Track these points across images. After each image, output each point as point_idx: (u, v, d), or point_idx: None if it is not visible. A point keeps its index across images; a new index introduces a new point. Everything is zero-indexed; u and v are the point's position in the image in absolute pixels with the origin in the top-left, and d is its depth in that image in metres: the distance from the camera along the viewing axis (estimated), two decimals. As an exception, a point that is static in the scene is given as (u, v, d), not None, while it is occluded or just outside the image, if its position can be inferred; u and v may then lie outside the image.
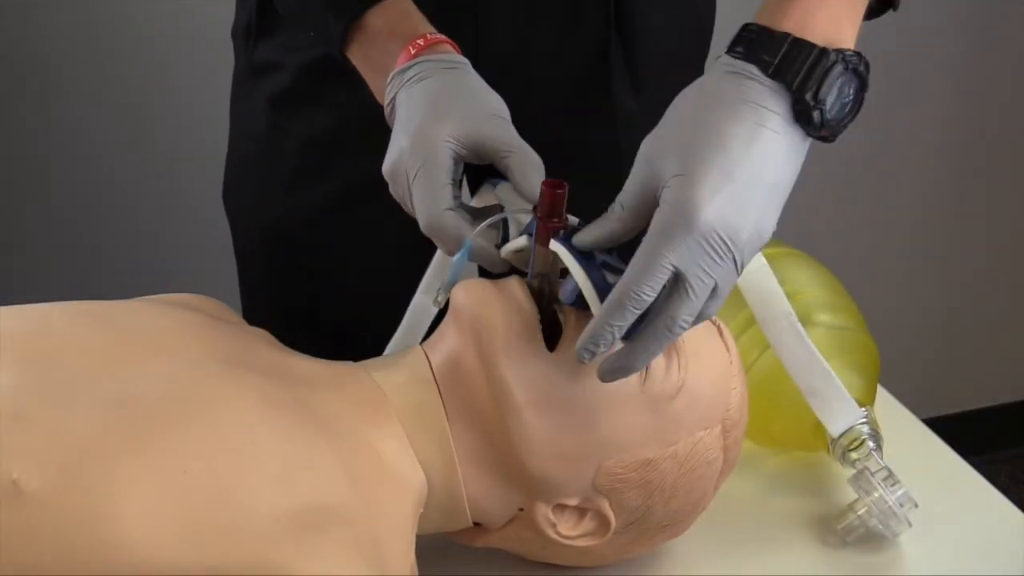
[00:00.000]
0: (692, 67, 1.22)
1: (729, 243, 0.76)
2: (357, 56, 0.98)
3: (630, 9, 1.13)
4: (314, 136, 1.16)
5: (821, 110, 0.79)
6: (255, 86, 1.18)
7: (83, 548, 0.69)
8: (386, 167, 0.91)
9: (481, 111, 0.90)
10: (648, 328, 0.77)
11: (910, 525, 0.97)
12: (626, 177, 1.12)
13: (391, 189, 0.92)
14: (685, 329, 0.77)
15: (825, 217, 2.26)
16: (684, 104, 0.81)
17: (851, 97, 0.81)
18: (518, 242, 0.86)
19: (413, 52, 0.93)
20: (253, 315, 1.26)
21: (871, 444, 0.99)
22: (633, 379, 0.85)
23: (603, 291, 0.78)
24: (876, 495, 0.97)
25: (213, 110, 1.40)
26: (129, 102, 1.86)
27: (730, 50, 0.81)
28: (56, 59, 1.81)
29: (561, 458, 0.85)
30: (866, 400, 1.04)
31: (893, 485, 0.97)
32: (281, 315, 1.22)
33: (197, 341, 0.84)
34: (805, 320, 1.01)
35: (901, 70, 2.22)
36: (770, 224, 0.79)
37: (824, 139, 0.81)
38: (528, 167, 0.87)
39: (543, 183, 0.82)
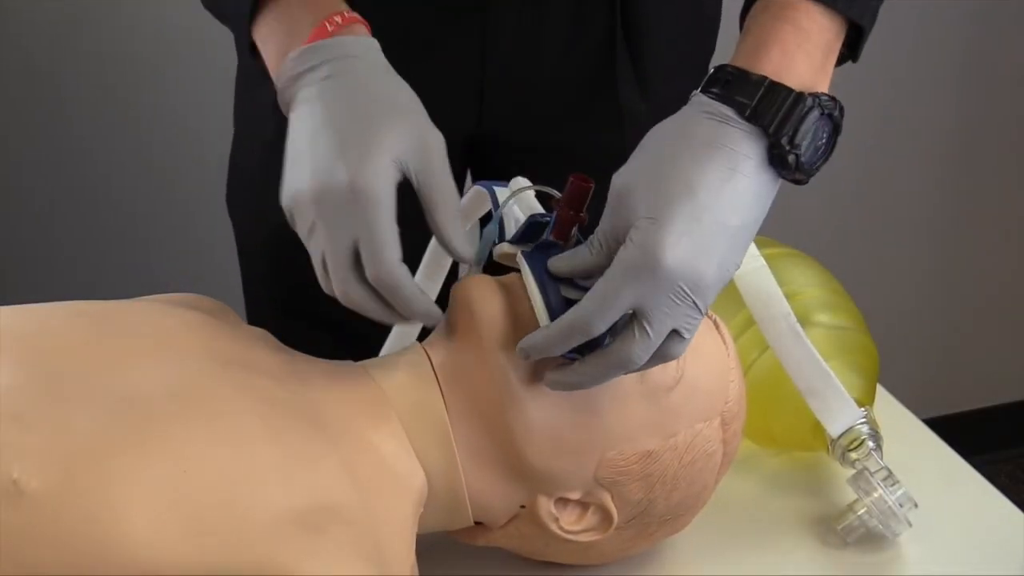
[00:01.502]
0: (698, 66, 1.22)
1: (691, 289, 0.77)
2: (263, 31, 0.89)
3: (636, 9, 1.13)
4: None
5: (796, 154, 0.80)
6: (260, 89, 1.17)
7: (83, 548, 0.69)
8: (295, 195, 0.81)
9: (420, 123, 0.84)
10: (602, 360, 0.79)
11: (910, 525, 0.97)
12: None
13: (297, 224, 0.82)
14: (638, 367, 0.78)
15: (824, 217, 2.27)
16: (657, 143, 0.81)
17: (824, 140, 0.81)
18: (503, 247, 0.88)
19: (331, 30, 0.85)
20: (255, 314, 1.26)
21: (871, 444, 0.99)
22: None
23: (556, 312, 0.81)
24: (876, 495, 0.97)
25: (216, 111, 1.40)
26: (131, 102, 1.86)
27: (705, 89, 0.82)
28: (57, 59, 1.81)
29: (563, 451, 0.85)
30: (865, 400, 1.04)
31: (893, 485, 0.97)
32: (282, 315, 1.23)
33: (197, 341, 0.84)
34: (804, 320, 1.02)
35: (901, 70, 2.22)
36: (733, 266, 0.80)
37: (797, 182, 0.82)
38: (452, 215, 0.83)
39: (572, 175, 0.83)
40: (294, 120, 0.84)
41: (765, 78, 0.80)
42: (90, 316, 0.85)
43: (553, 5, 1.10)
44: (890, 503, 0.97)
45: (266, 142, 1.19)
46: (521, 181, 0.94)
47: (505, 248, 0.88)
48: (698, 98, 0.82)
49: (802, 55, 0.82)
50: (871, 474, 0.98)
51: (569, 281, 0.83)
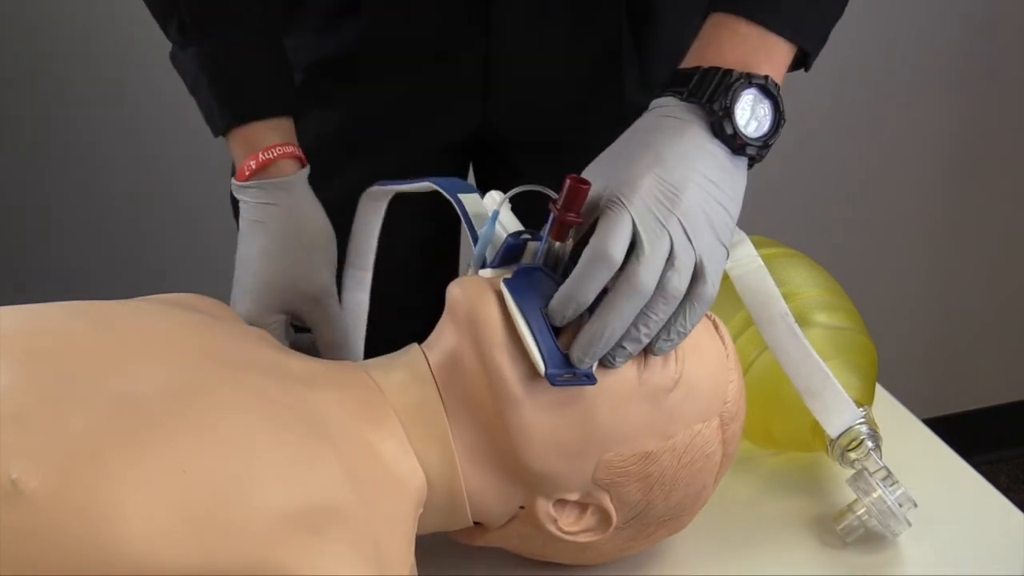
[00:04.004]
0: None
1: (669, 204, 0.82)
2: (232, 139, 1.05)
3: (643, 7, 1.13)
4: (323, 135, 1.16)
5: (731, 120, 0.86)
6: None
7: (82, 548, 0.69)
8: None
9: (299, 280, 1.03)
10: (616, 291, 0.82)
11: (909, 525, 0.97)
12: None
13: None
14: (645, 286, 0.81)
15: (824, 217, 2.27)
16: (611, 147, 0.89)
17: (768, 115, 0.88)
18: (484, 273, 0.89)
19: (247, 173, 1.03)
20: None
21: (870, 444, 0.99)
22: (631, 371, 0.86)
23: (542, 337, 0.83)
24: (875, 495, 0.97)
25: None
26: (130, 100, 1.86)
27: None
28: (57, 58, 1.81)
29: (561, 452, 0.85)
30: (864, 400, 1.04)
31: (892, 485, 0.97)
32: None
33: (196, 341, 0.84)
34: (803, 321, 1.01)
35: (900, 70, 2.22)
36: (720, 211, 0.86)
37: (751, 159, 0.88)
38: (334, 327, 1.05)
39: (568, 176, 0.84)
40: (241, 232, 1.06)
41: (698, 67, 0.88)
42: (89, 316, 0.85)
43: (555, 10, 1.10)
44: (889, 503, 0.97)
45: None
46: (496, 196, 0.94)
47: (487, 275, 0.88)
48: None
49: (735, 45, 0.88)
50: (870, 474, 0.98)
51: (551, 301, 0.84)
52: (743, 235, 1.12)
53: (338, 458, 0.79)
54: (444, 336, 0.88)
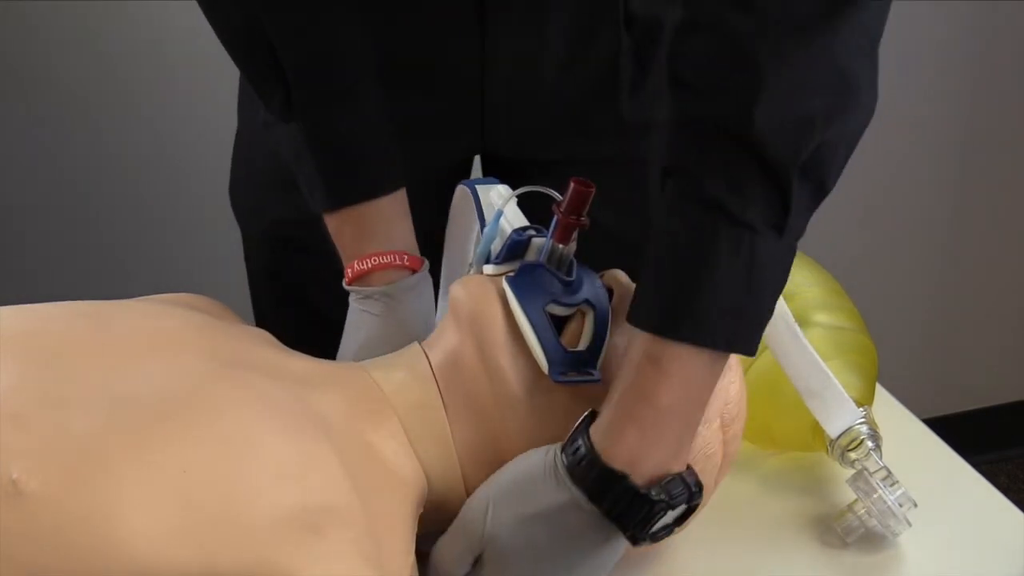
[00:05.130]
0: None
1: None
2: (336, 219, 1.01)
3: (642, 15, 1.12)
4: None
5: (646, 538, 0.81)
6: (256, 105, 1.17)
7: (83, 548, 0.69)
8: None
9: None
10: None
11: (910, 525, 0.97)
12: (640, 189, 1.11)
13: None
14: None
15: (823, 217, 2.26)
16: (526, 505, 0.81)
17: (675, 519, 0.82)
18: (487, 270, 0.89)
19: (350, 276, 0.99)
20: (259, 310, 1.26)
21: (870, 444, 0.99)
22: None
23: (543, 333, 0.83)
24: (875, 495, 0.97)
25: (219, 109, 1.40)
26: (133, 98, 1.86)
27: (569, 458, 0.80)
28: (58, 58, 1.81)
29: None
30: (864, 400, 1.04)
31: (892, 485, 0.97)
32: (286, 310, 1.23)
33: (197, 341, 0.84)
34: (802, 320, 1.01)
35: (901, 70, 2.22)
36: None
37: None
38: None
39: (572, 179, 0.84)
40: (353, 322, 1.01)
41: (623, 477, 0.78)
42: (90, 316, 0.85)
43: (553, 22, 1.09)
44: (889, 503, 0.97)
45: (265, 137, 1.19)
46: (503, 191, 0.94)
47: (489, 271, 0.88)
48: (560, 470, 0.80)
49: (661, 438, 0.80)
50: (870, 474, 0.98)
51: (554, 299, 0.84)
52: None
53: (338, 458, 0.79)
54: (445, 335, 0.88)
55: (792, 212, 0.79)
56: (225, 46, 1.00)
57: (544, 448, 0.83)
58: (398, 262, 0.98)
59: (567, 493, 0.80)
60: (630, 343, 0.81)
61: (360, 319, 0.99)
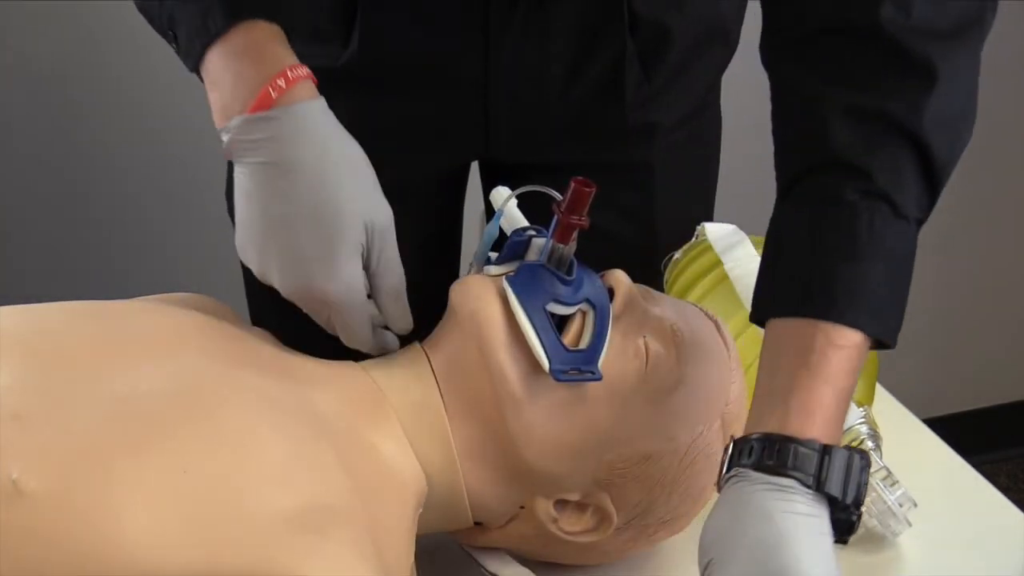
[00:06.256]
0: (711, 84, 1.22)
1: None
2: (210, 65, 0.90)
3: (656, 32, 1.12)
4: None
5: (860, 516, 0.79)
6: None
7: (83, 548, 0.69)
8: (262, 277, 0.91)
9: (371, 201, 0.89)
10: None
11: (910, 525, 0.97)
12: (644, 197, 1.10)
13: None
14: None
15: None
16: (739, 535, 0.76)
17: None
18: (488, 271, 0.89)
19: (274, 96, 0.86)
20: (257, 313, 1.26)
21: (869, 444, 0.99)
22: (634, 372, 0.86)
23: (544, 334, 0.83)
24: (875, 495, 0.97)
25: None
26: (133, 101, 1.86)
27: (758, 464, 0.77)
28: (59, 58, 1.81)
29: (562, 452, 0.85)
30: (864, 400, 1.04)
31: (892, 485, 0.97)
32: (283, 314, 1.22)
33: (197, 341, 0.84)
34: (804, 320, 1.01)
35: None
36: None
37: (842, 542, 0.80)
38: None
39: (573, 180, 0.84)
40: (241, 186, 0.90)
41: (815, 442, 0.77)
42: (90, 316, 0.85)
43: (556, 27, 1.09)
44: (889, 503, 0.96)
45: None
46: (503, 191, 0.94)
47: (491, 271, 0.88)
48: (751, 476, 0.77)
49: (841, 412, 0.80)
50: (870, 474, 0.97)
51: (555, 298, 0.84)
52: (743, 235, 1.12)
53: (338, 458, 0.79)
54: (446, 335, 0.88)
55: (932, 207, 0.85)
56: None
57: (725, 511, 0.78)
58: (308, 75, 0.88)
59: (784, 494, 0.75)
60: (787, 332, 0.81)
61: (285, 162, 0.87)
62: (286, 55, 0.88)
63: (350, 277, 0.87)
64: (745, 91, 1.55)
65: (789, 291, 0.83)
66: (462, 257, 1.30)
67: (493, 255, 0.91)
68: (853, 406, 1.00)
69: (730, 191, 1.34)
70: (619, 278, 0.91)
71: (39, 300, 0.87)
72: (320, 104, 0.89)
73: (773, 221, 0.87)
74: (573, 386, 0.84)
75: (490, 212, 0.99)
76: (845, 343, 0.80)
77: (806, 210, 0.84)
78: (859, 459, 0.78)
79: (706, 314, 0.96)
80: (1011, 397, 2.61)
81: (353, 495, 0.78)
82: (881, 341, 0.83)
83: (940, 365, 2.53)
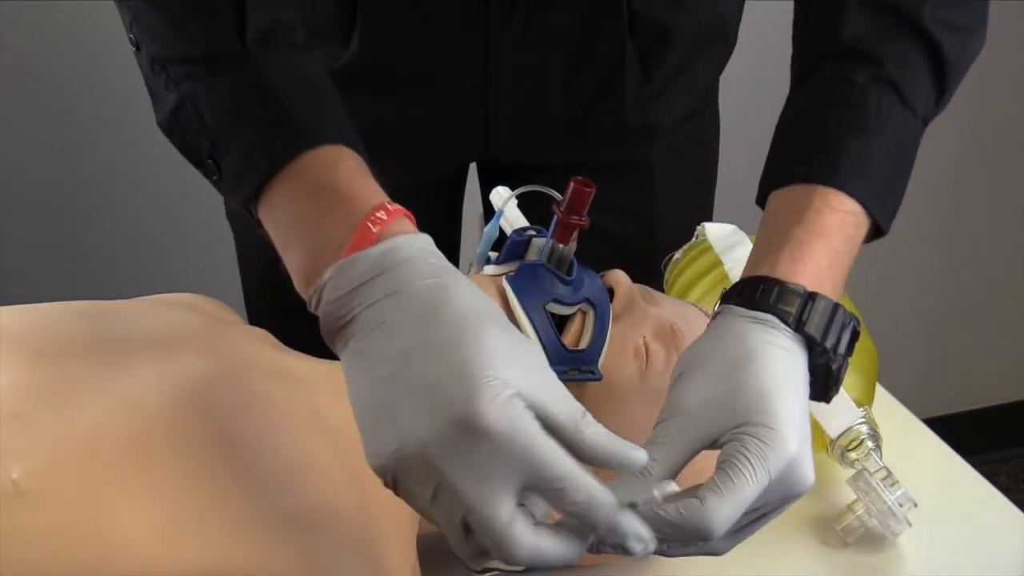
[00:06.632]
0: (710, 83, 1.22)
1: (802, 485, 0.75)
2: (277, 214, 0.74)
3: (656, 33, 1.12)
4: None
5: (840, 368, 0.81)
6: None
7: (83, 548, 0.69)
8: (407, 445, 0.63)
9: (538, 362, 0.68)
10: (692, 548, 0.74)
11: (910, 525, 0.97)
12: (644, 197, 1.09)
13: (404, 484, 0.65)
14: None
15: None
16: (710, 356, 0.76)
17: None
18: (488, 270, 0.89)
19: (376, 231, 0.69)
20: (255, 315, 1.26)
21: (870, 444, 0.99)
22: (634, 372, 0.86)
23: (544, 334, 0.83)
24: (875, 495, 0.97)
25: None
26: (133, 104, 1.85)
27: (743, 301, 0.79)
28: (59, 58, 1.81)
29: None
30: (864, 400, 1.04)
31: (892, 485, 0.97)
32: (282, 315, 1.22)
33: (197, 341, 0.84)
34: (804, 320, 1.01)
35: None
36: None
37: (824, 399, 0.82)
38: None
39: (572, 179, 0.84)
40: (366, 353, 0.67)
41: (801, 287, 0.79)
42: (90, 316, 0.85)
43: (556, 29, 1.09)
44: (889, 503, 0.96)
45: None
46: (503, 192, 0.94)
47: (490, 271, 0.88)
48: (734, 310, 0.79)
49: (835, 271, 0.83)
50: (870, 474, 0.98)
51: (555, 298, 0.84)
52: (743, 235, 1.12)
53: (339, 458, 0.79)
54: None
55: (938, 111, 0.89)
56: None
57: (705, 337, 0.78)
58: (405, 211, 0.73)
59: (765, 328, 0.77)
60: (787, 198, 0.84)
61: (393, 323, 0.67)
62: (376, 188, 0.74)
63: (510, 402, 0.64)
64: (744, 91, 1.55)
65: (792, 162, 0.86)
66: (461, 258, 1.30)
67: (493, 255, 0.91)
68: (853, 406, 1.00)
69: (730, 191, 1.35)
70: (619, 278, 0.91)
71: (39, 300, 0.87)
72: (427, 238, 0.72)
73: (783, 111, 0.90)
74: (573, 386, 0.84)
75: (488, 213, 0.99)
76: (844, 208, 0.83)
77: (815, 92, 0.88)
78: (844, 312, 0.80)
79: (706, 314, 0.96)
80: (1011, 397, 2.61)
81: (354, 495, 0.78)
82: (877, 225, 0.86)
83: (940, 365, 2.53)
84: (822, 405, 0.99)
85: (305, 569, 0.72)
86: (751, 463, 0.71)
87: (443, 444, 0.62)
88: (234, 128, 0.76)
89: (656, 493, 0.71)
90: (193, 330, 0.86)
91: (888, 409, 1.15)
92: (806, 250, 0.81)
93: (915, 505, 0.97)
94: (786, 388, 0.75)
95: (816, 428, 1.02)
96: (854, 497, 0.99)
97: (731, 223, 1.14)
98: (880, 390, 1.13)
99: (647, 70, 1.14)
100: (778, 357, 0.76)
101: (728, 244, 1.11)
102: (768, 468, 0.71)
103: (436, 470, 0.62)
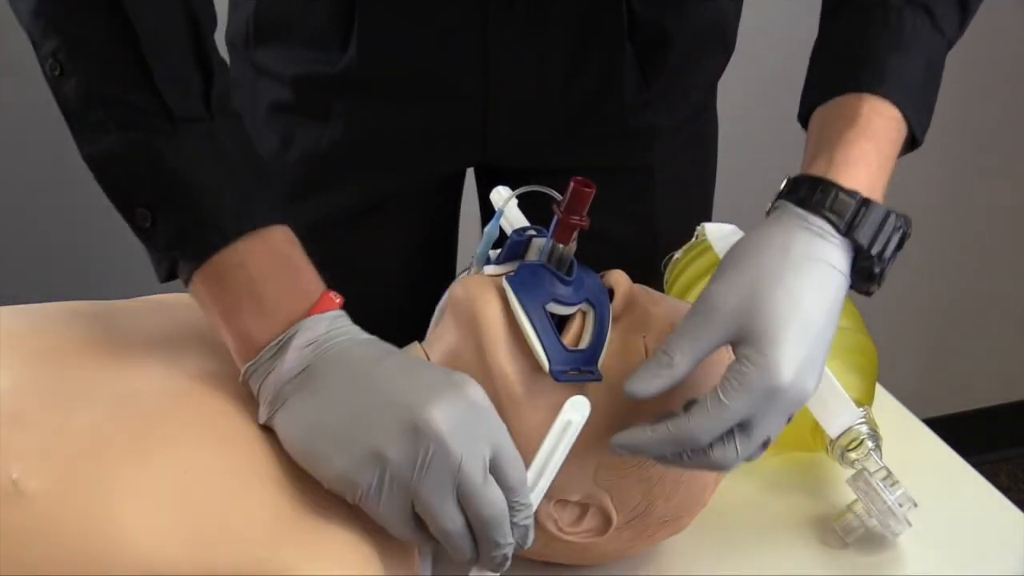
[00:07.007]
0: (709, 87, 1.22)
1: (797, 405, 0.81)
2: (209, 285, 0.78)
3: (656, 33, 1.12)
4: (319, 150, 1.14)
5: (883, 270, 0.86)
6: (255, 96, 1.16)
7: (83, 548, 0.69)
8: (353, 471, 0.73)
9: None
10: (694, 461, 0.81)
11: (909, 525, 0.97)
12: (644, 200, 1.09)
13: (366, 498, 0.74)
14: (729, 469, 0.82)
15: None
16: (754, 256, 0.83)
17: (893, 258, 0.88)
18: (488, 270, 0.89)
19: (338, 301, 0.78)
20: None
21: (870, 444, 0.99)
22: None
23: (544, 334, 0.83)
24: (875, 495, 0.97)
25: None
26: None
27: (796, 199, 0.85)
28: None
29: None
30: (864, 400, 1.04)
31: (892, 485, 0.97)
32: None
33: (196, 341, 0.84)
34: (804, 320, 1.01)
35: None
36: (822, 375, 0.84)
37: (865, 292, 0.88)
38: None
39: (572, 179, 0.84)
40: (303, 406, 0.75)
41: (857, 193, 0.85)
42: (89, 316, 0.85)
43: (555, 32, 1.09)
44: (889, 503, 0.96)
45: (259, 147, 1.19)
46: (503, 192, 0.94)
47: (490, 271, 0.88)
48: (789, 208, 0.85)
49: (883, 176, 0.88)
50: (870, 474, 0.98)
51: (555, 298, 0.84)
52: (742, 235, 1.12)
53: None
54: (445, 334, 0.88)
55: (960, 33, 0.95)
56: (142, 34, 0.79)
57: (758, 232, 0.85)
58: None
59: (811, 234, 0.83)
60: (835, 106, 0.89)
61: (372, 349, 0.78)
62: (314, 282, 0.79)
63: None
64: (743, 93, 1.56)
65: (838, 74, 0.91)
66: (459, 259, 1.30)
67: (493, 255, 0.91)
68: (853, 406, 1.00)
69: (730, 191, 1.35)
70: (619, 278, 0.91)
71: (39, 300, 0.87)
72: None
73: (819, 35, 0.95)
74: (573, 386, 0.84)
75: (486, 216, 0.99)
76: (888, 114, 0.88)
77: (854, 13, 0.92)
78: (895, 218, 0.86)
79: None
80: (1011, 397, 2.61)
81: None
82: (913, 135, 0.91)
83: (940, 365, 2.53)
84: (822, 405, 0.99)
85: (305, 569, 0.72)
86: (736, 386, 0.78)
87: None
88: (188, 194, 0.78)
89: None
90: (192, 330, 0.86)
91: (888, 409, 1.15)
92: (858, 152, 0.86)
93: (915, 505, 0.97)
94: (809, 312, 0.80)
95: (816, 428, 1.02)
96: (854, 497, 0.99)
97: (731, 223, 1.14)
98: (880, 390, 1.14)
99: (646, 73, 1.14)
100: (815, 276, 0.82)
101: (728, 244, 1.11)
102: (752, 393, 0.78)
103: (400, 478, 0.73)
